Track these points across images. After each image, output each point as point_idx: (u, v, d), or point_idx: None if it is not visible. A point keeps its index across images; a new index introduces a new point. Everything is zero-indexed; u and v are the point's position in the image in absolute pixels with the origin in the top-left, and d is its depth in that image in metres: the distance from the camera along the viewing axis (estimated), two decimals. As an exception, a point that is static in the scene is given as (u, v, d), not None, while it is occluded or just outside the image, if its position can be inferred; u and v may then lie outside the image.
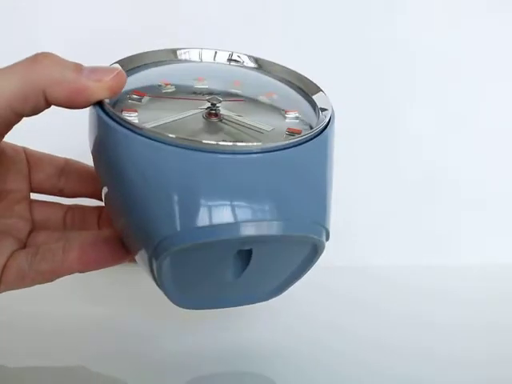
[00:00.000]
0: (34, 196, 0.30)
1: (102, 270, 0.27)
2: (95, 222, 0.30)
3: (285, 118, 0.29)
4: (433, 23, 0.51)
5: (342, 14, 0.50)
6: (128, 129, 0.23)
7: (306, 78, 0.31)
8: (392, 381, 0.26)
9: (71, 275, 0.27)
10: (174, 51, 0.31)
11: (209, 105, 0.27)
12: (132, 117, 0.25)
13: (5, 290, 0.26)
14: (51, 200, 0.31)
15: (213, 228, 0.23)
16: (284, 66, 0.32)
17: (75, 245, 0.27)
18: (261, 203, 0.24)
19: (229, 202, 0.23)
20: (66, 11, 0.48)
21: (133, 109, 0.26)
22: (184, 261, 0.25)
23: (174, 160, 0.23)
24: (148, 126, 0.24)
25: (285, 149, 0.24)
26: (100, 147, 0.25)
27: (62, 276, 0.27)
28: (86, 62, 0.26)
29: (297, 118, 0.29)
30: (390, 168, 0.49)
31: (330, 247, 0.26)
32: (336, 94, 0.30)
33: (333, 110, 0.28)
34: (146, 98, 0.27)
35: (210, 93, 0.29)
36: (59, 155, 0.31)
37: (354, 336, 0.31)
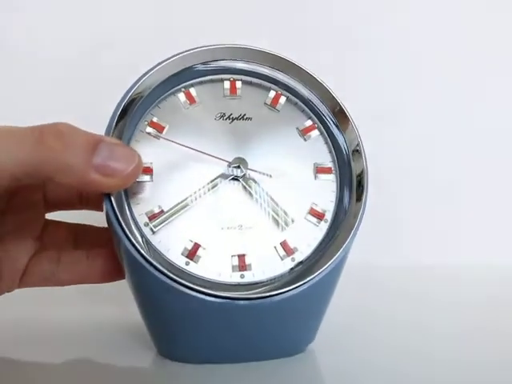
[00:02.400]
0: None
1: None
2: None
3: (315, 177, 0.27)
4: (433, 22, 0.51)
5: (341, 12, 0.50)
6: (131, 243, 0.23)
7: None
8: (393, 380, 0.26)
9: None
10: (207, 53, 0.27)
11: (232, 167, 0.26)
12: (145, 182, 0.24)
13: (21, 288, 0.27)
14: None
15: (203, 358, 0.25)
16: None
17: (99, 262, 0.26)
18: (253, 346, 0.26)
19: (221, 344, 0.25)
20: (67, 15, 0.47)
21: (147, 168, 0.25)
22: None
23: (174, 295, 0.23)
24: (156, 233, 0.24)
25: (286, 292, 0.24)
26: (112, 236, 0.24)
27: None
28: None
29: (327, 181, 0.27)
30: (390, 168, 0.49)
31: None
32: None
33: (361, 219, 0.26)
34: (163, 136, 0.26)
35: (241, 116, 0.27)
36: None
37: (353, 334, 0.31)
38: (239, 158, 0.26)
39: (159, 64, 0.26)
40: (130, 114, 0.25)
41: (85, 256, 0.27)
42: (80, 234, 0.29)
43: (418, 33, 0.51)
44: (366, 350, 0.29)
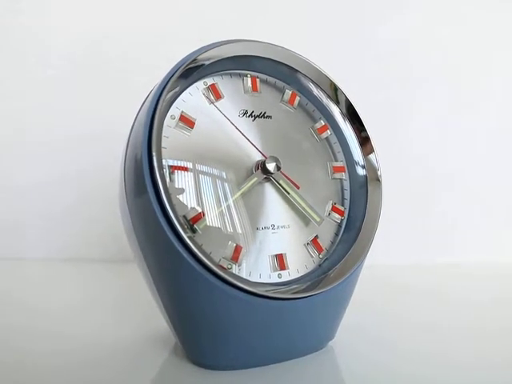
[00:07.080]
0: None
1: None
2: None
3: (331, 176, 0.28)
4: (434, 22, 0.53)
5: (346, 13, 0.52)
6: (179, 238, 0.21)
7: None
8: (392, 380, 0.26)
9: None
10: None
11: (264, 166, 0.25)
12: (184, 183, 0.23)
13: None
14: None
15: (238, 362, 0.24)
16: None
17: None
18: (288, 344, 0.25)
19: (257, 346, 0.24)
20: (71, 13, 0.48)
21: (183, 167, 0.23)
22: None
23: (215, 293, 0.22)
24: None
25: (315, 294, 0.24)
26: (145, 232, 0.23)
27: None
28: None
29: (341, 180, 0.28)
30: (391, 168, 0.50)
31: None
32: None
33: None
34: (194, 132, 0.24)
35: (261, 113, 0.27)
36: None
37: (353, 334, 0.31)
38: (274, 157, 0.25)
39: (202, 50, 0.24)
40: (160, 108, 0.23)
41: None
42: None
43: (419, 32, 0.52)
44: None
